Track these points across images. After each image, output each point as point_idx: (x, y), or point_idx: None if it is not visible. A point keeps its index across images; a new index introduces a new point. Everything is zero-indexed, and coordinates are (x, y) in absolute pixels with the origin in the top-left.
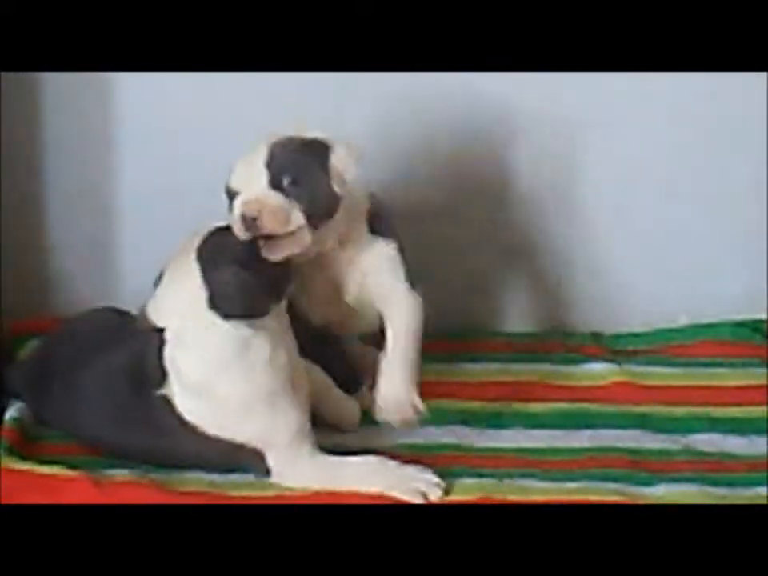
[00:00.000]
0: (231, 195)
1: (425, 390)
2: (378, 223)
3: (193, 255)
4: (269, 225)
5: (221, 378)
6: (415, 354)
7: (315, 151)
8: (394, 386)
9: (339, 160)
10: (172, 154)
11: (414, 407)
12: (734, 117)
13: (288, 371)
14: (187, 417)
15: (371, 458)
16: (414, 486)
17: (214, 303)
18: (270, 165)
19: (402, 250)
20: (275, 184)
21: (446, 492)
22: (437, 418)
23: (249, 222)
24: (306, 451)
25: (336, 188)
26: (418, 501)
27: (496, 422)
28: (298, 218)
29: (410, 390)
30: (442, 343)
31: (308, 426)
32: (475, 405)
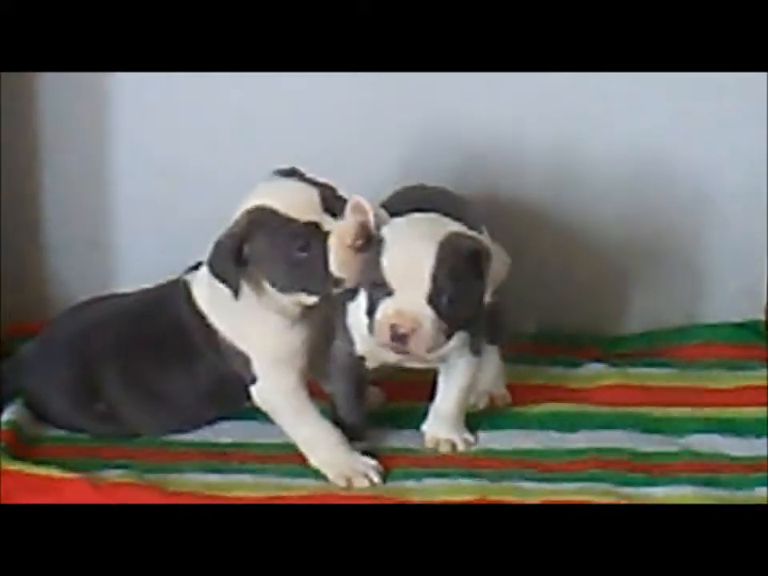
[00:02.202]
0: (378, 284)
1: (422, 391)
2: None
3: None
4: (415, 347)
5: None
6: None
7: (476, 261)
8: (444, 431)
9: (496, 273)
10: (170, 154)
11: (466, 441)
12: None
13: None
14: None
15: (336, 436)
16: (346, 471)
17: None
18: (436, 277)
19: None
20: (433, 300)
21: (444, 493)
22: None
23: (397, 335)
24: (292, 380)
25: (486, 298)
26: (341, 484)
27: (494, 422)
28: (441, 336)
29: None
30: None
31: (304, 366)
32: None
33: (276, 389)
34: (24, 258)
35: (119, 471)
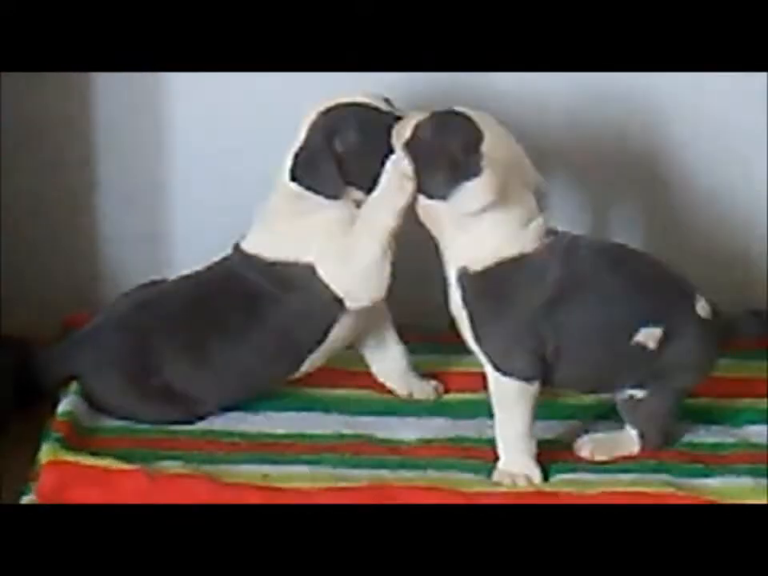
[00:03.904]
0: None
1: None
2: None
3: None
4: None
5: None
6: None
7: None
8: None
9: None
10: (222, 147)
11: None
12: None
13: None
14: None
15: None
16: None
17: None
18: None
19: None
20: None
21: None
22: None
23: None
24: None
25: None
26: None
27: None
28: None
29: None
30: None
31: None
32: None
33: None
34: (78, 251)
35: (175, 462)
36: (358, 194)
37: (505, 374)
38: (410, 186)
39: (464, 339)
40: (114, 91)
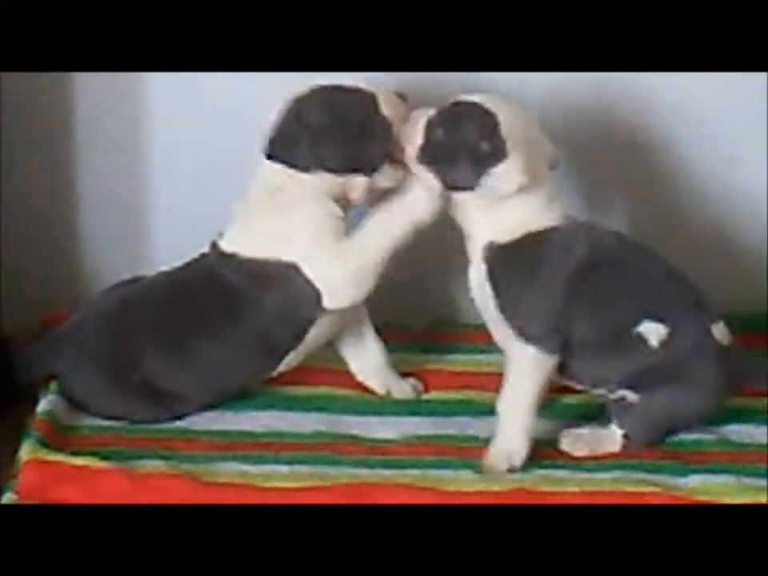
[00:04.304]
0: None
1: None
2: None
3: None
4: None
5: None
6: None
7: None
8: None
9: None
10: (200, 146)
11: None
12: None
13: None
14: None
15: None
16: None
17: None
18: None
19: None
20: None
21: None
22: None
23: None
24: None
25: None
26: None
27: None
28: None
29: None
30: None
31: None
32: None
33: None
34: (57, 249)
35: (156, 461)
36: (328, 178)
37: (527, 340)
38: (435, 204)
39: (485, 318)
40: (92, 90)
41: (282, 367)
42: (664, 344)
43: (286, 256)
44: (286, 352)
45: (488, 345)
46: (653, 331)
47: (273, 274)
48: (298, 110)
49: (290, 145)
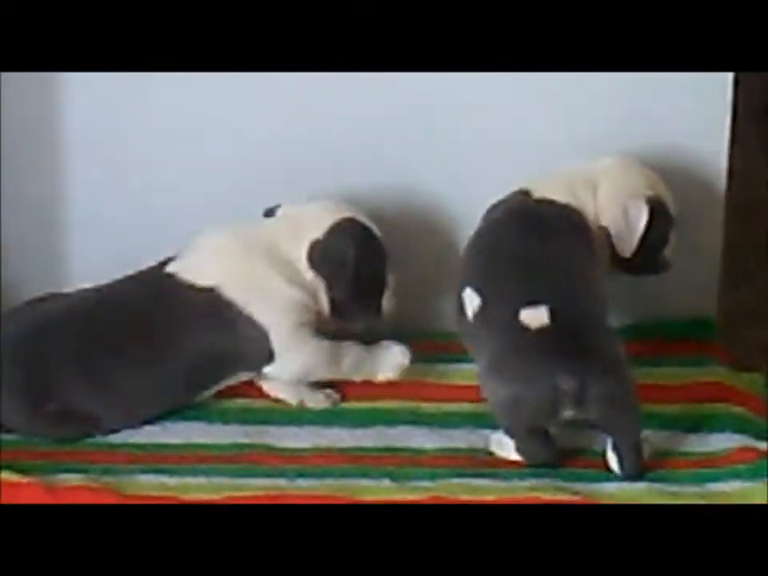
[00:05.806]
0: None
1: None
2: None
3: None
4: None
5: None
6: None
7: None
8: None
9: None
10: (126, 159)
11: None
12: None
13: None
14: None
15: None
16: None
17: None
18: None
19: None
20: None
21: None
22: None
23: None
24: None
25: None
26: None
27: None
28: None
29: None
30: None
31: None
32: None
33: (301, 353)
34: None
35: (77, 475)
36: (320, 285)
37: None
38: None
39: None
40: (16, 101)
41: (209, 393)
42: (476, 315)
43: (248, 307)
44: (211, 386)
45: None
46: (471, 299)
47: (226, 315)
48: (345, 244)
49: (332, 269)
